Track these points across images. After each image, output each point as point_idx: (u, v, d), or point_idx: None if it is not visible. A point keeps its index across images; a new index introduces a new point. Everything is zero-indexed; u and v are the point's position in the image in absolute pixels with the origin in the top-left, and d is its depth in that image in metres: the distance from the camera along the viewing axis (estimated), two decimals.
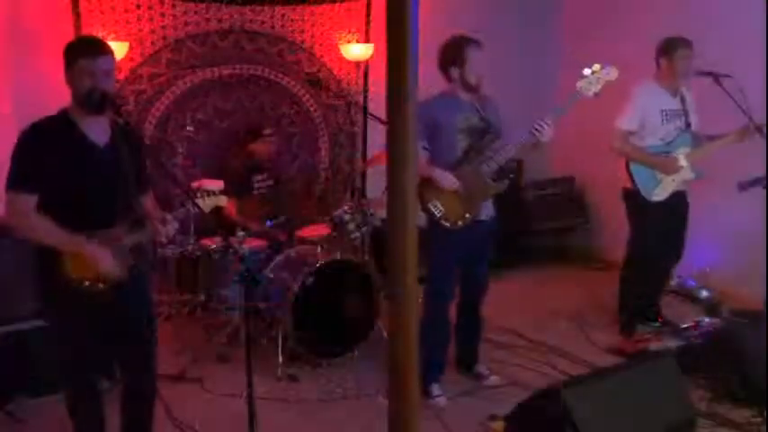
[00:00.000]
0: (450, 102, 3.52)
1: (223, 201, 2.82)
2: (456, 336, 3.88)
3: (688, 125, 4.17)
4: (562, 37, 6.39)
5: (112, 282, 2.56)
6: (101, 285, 2.54)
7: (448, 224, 3.49)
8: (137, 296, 2.72)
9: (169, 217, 2.63)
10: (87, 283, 2.51)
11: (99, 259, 2.49)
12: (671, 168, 4.12)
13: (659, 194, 4.15)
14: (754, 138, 3.91)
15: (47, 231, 2.45)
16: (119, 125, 2.59)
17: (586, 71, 3.45)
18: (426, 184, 3.44)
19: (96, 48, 2.52)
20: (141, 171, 2.71)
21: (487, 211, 3.64)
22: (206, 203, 2.72)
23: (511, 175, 5.82)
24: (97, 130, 2.55)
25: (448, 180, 3.45)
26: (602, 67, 3.45)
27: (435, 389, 3.65)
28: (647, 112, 4.12)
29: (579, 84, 3.45)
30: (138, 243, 2.65)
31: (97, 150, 2.54)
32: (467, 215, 3.52)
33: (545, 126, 3.39)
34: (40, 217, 2.45)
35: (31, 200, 2.45)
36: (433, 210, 3.46)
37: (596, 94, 3.44)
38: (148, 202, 2.79)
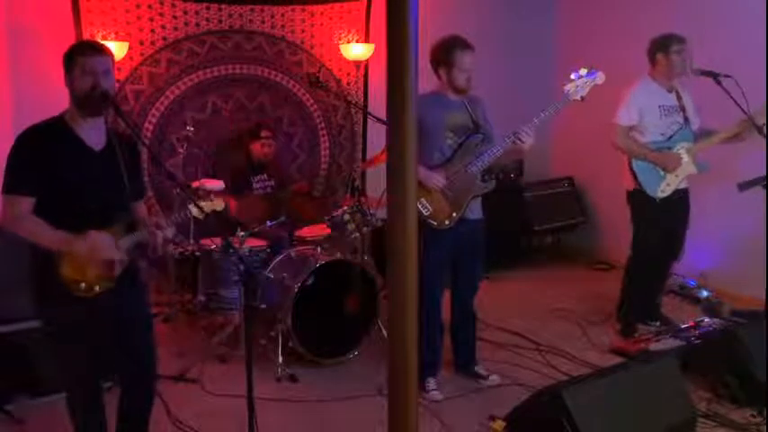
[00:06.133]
0: (439, 100, 3.56)
1: (220, 205, 2.81)
2: (451, 336, 3.88)
3: (686, 120, 4.19)
4: (556, 37, 6.40)
5: (107, 284, 2.54)
6: (96, 288, 2.52)
7: (435, 223, 3.51)
8: (132, 300, 2.70)
9: (163, 222, 2.62)
10: (83, 285, 2.50)
11: (98, 244, 2.46)
12: (671, 164, 4.12)
13: (664, 191, 4.16)
14: (754, 132, 3.91)
15: (42, 233, 2.44)
16: (115, 131, 2.60)
17: (574, 75, 3.49)
18: None
19: (94, 48, 2.54)
20: (136, 177, 2.71)
21: (475, 210, 3.66)
22: (203, 207, 2.72)
23: (512, 175, 5.96)
24: (94, 134, 2.54)
25: (433, 179, 3.48)
26: (589, 71, 3.47)
27: (431, 383, 3.66)
28: (645, 107, 4.14)
29: (567, 87, 3.49)
30: (132, 246, 2.64)
31: (93, 155, 2.53)
32: (454, 214, 3.54)
33: (524, 135, 3.41)
34: (35, 219, 2.45)
35: (27, 202, 2.45)
36: (421, 209, 3.47)
37: (583, 98, 3.47)
38: (141, 209, 2.79)
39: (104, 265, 2.52)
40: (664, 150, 4.14)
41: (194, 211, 2.71)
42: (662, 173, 4.15)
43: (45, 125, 2.50)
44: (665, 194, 4.16)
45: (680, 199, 4.27)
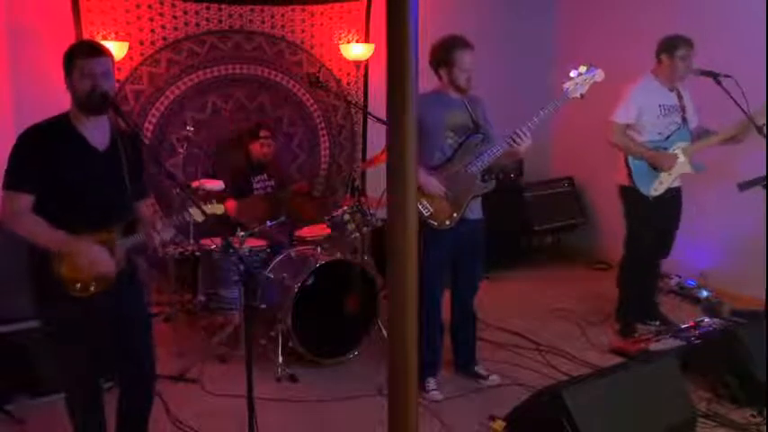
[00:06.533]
0: (440, 99, 3.56)
1: (220, 209, 2.81)
2: (451, 336, 3.88)
3: (684, 120, 4.19)
4: (556, 37, 6.41)
5: (104, 285, 2.54)
6: (92, 288, 2.52)
7: (436, 223, 3.51)
8: (130, 300, 2.70)
9: (160, 225, 2.62)
10: (78, 285, 2.50)
11: (95, 258, 2.46)
12: (667, 162, 4.12)
13: (657, 189, 4.16)
14: (752, 133, 3.91)
15: (41, 231, 2.44)
16: (120, 130, 2.60)
17: (573, 73, 3.48)
18: None
19: (93, 49, 2.53)
20: (140, 177, 2.71)
21: (475, 210, 3.66)
22: (201, 211, 2.71)
23: (512, 175, 5.96)
24: (97, 134, 2.54)
25: (431, 185, 3.47)
26: (588, 69, 3.47)
27: (431, 383, 3.67)
28: (645, 106, 4.14)
29: (566, 85, 3.48)
30: (131, 248, 2.64)
31: (97, 154, 2.53)
32: (454, 214, 3.55)
33: (523, 136, 3.41)
34: (34, 217, 2.45)
35: (27, 200, 2.45)
36: (422, 209, 3.47)
37: (583, 96, 3.47)
38: (146, 207, 2.79)
39: (100, 275, 2.53)
40: (660, 149, 4.14)
41: (194, 214, 2.71)
42: (656, 171, 4.15)
43: (48, 123, 2.50)
44: (657, 193, 4.17)
45: (672, 198, 4.28)
